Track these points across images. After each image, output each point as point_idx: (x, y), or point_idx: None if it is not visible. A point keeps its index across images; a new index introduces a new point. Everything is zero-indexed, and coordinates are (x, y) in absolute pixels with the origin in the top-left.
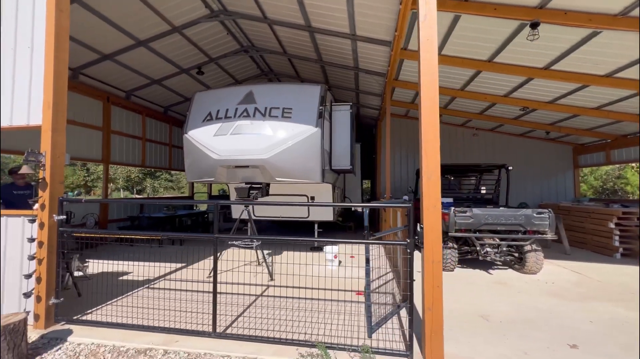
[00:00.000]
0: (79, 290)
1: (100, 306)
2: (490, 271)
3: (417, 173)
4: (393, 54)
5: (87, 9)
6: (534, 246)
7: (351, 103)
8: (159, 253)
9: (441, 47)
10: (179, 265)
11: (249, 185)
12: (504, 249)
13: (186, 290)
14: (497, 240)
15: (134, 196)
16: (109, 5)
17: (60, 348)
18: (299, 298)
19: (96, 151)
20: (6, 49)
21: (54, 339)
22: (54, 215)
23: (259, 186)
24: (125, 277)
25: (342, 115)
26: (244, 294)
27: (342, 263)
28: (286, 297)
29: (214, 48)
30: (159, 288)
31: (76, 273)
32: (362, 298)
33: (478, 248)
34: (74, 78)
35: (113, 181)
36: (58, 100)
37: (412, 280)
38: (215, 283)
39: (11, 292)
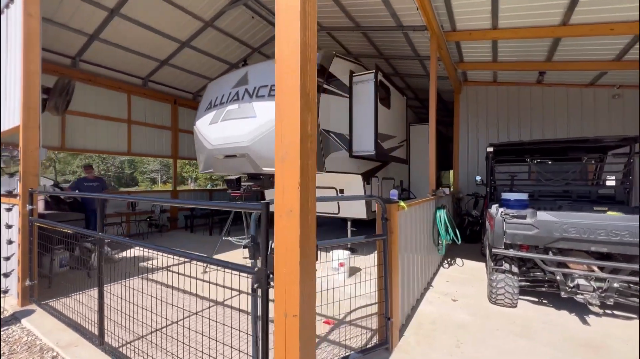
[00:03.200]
0: (88, 272)
1: (73, 295)
2: (582, 316)
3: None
4: None
5: (127, 19)
6: None
7: (375, 71)
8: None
9: None
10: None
11: (237, 177)
12: (614, 286)
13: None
14: (597, 269)
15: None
16: (145, 13)
17: (8, 328)
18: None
19: (166, 148)
20: (5, 61)
21: (15, 319)
22: (27, 205)
23: (259, 177)
24: (144, 264)
25: (363, 88)
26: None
27: (348, 272)
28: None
29: (252, 37)
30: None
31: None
32: (328, 328)
33: (558, 278)
34: (144, 86)
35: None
36: (29, 99)
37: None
38: (101, 288)
39: None
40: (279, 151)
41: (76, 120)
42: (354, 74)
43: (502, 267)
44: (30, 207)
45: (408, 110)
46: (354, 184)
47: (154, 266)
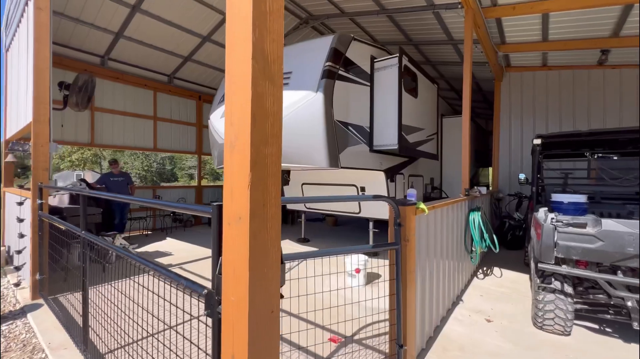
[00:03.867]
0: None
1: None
2: None
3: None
4: None
5: (148, 15)
6: None
7: (399, 55)
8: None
9: None
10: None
11: None
12: None
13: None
14: None
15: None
16: (164, 8)
17: (13, 323)
18: None
19: (191, 144)
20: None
21: (22, 313)
22: (37, 200)
23: None
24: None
25: (386, 74)
26: None
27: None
28: None
29: None
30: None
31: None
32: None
33: (630, 305)
34: (169, 83)
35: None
36: (39, 93)
37: None
38: (85, 293)
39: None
40: (228, 135)
41: (105, 117)
42: (375, 60)
43: (552, 286)
44: (40, 202)
45: (440, 101)
46: (375, 182)
47: (168, 264)
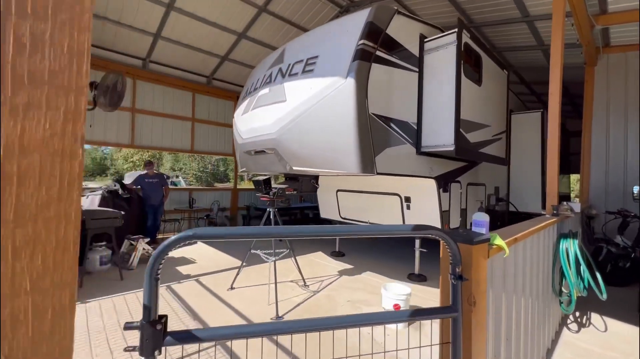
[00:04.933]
0: (121, 273)
1: (89, 300)
2: None
3: None
4: None
5: (183, 13)
6: None
7: (457, 30)
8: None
9: None
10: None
11: (266, 177)
12: None
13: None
14: None
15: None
16: (198, 5)
17: None
18: None
19: (227, 146)
20: None
21: None
22: None
23: (296, 179)
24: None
25: (440, 56)
26: None
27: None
28: None
29: (311, 20)
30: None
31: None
32: None
33: None
34: (208, 84)
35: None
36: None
37: None
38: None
39: None
40: None
41: (145, 119)
42: (425, 39)
43: None
44: None
45: (509, 93)
46: (424, 191)
47: (187, 274)
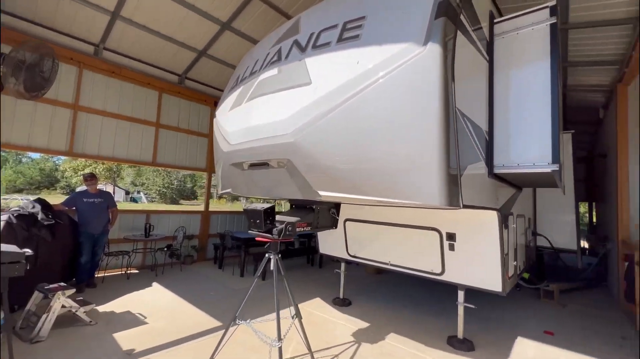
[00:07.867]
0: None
1: None
2: None
3: None
4: None
5: None
6: None
7: (553, 4)
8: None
9: None
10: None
11: (267, 206)
12: None
13: None
14: None
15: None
16: None
17: None
18: None
19: (200, 159)
20: None
21: None
22: None
23: (310, 208)
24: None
25: (523, 40)
26: None
27: None
28: None
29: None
30: None
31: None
32: None
33: None
34: (180, 84)
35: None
36: None
37: None
38: None
39: None
40: None
41: (91, 120)
42: (496, 20)
43: None
44: None
45: None
46: (479, 226)
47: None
